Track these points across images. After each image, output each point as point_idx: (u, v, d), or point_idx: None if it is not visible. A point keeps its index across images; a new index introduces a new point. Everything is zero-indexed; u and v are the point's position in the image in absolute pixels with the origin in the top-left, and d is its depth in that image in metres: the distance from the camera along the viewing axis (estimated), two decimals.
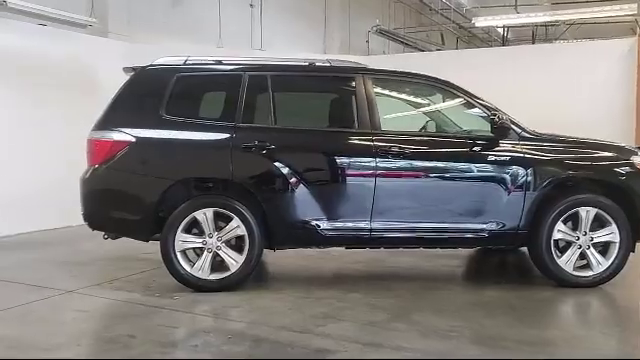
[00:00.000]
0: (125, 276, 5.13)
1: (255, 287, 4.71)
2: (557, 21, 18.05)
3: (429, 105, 5.27)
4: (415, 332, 3.69)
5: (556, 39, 19.02)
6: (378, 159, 4.60)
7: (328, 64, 4.96)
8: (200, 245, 4.60)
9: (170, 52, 8.84)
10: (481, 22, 11.90)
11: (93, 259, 5.89)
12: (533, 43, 17.83)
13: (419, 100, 5.34)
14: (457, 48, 18.95)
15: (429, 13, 18.34)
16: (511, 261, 6.00)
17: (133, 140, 4.57)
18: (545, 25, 18.93)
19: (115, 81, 8.59)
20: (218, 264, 4.64)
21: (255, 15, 12.48)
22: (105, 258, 5.91)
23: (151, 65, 4.85)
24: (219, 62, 4.90)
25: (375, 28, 16.21)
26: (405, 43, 17.49)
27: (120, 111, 4.74)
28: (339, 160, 4.64)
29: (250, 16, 12.43)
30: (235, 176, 4.58)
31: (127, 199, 4.63)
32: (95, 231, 4.83)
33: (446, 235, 4.63)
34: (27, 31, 7.53)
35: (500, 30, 19.96)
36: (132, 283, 4.92)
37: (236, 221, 4.57)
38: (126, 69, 5.01)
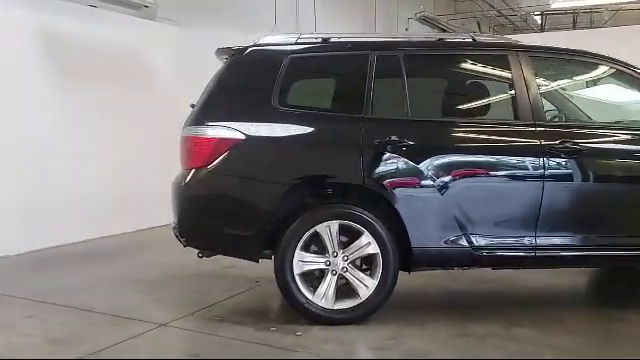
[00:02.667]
0: (220, 301, 4.25)
1: (388, 318, 3.78)
2: (599, 7, 17.05)
3: (602, 90, 4.32)
4: None
5: (601, 26, 17.92)
6: (546, 158, 3.68)
7: (470, 39, 4.04)
8: (323, 266, 3.72)
9: (226, 39, 8.05)
10: (559, 4, 10.88)
11: (169, 276, 5.04)
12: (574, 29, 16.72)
13: (590, 84, 4.38)
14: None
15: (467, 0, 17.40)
16: None
17: (242, 137, 3.67)
18: (590, 11, 17.96)
19: (168, 69, 7.93)
20: (340, 290, 3.75)
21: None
22: (182, 275, 5.05)
23: (256, 45, 3.95)
24: (334, 40, 3.99)
25: (419, 15, 15.31)
26: (445, 31, 16.56)
27: (222, 101, 3.85)
28: (496, 160, 3.72)
29: (296, 2, 11.53)
30: (366, 180, 3.68)
31: (236, 209, 3.73)
32: (188, 247, 3.95)
33: (636, 252, 3.70)
34: (77, 13, 6.62)
35: (537, 18, 19.00)
36: (234, 311, 4.03)
37: (367, 236, 3.67)
38: (220, 51, 4.12)
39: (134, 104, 7.19)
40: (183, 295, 4.53)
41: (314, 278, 3.80)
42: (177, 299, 4.43)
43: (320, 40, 3.97)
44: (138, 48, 7.37)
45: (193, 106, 4.18)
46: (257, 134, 3.70)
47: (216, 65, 7.79)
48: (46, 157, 6.16)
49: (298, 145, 3.73)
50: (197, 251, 3.95)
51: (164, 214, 7.59)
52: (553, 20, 19.31)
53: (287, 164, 3.70)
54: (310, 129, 3.76)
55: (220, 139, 3.68)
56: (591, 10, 17.97)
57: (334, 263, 3.70)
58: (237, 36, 8.21)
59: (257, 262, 3.82)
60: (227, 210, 3.74)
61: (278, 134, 3.72)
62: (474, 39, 4.01)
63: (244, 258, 3.85)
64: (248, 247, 3.75)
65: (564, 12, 18.12)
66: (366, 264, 3.82)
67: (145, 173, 7.24)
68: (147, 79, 7.52)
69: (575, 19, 18.56)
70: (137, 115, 7.24)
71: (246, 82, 3.88)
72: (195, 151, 3.73)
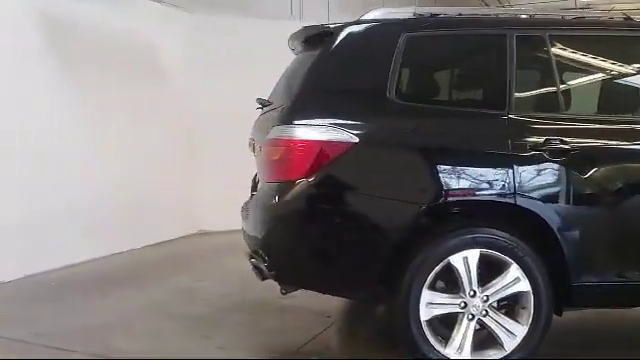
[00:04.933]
0: (300, 346, 3.35)
1: None
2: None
3: None
4: None
5: None
6: None
7: (624, 17, 3.21)
8: (457, 309, 2.85)
9: (243, 28, 7.08)
10: None
11: (218, 308, 4.11)
12: None
13: None
14: None
15: None
16: None
17: (355, 141, 2.77)
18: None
19: (180, 60, 6.91)
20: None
21: None
22: (233, 306, 4.15)
23: (360, 22, 3.05)
24: (461, 16, 3.13)
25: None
26: None
27: (321, 95, 2.94)
28: None
29: None
30: (518, 198, 2.82)
31: (348, 236, 2.82)
32: (267, 280, 3.05)
33: None
34: None
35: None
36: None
37: (516, 269, 2.82)
38: (306, 30, 3.21)
39: (143, 99, 6.18)
40: (250, 336, 3.60)
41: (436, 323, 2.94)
42: (245, 343, 3.50)
43: (442, 15, 3.09)
44: (145, 33, 6.34)
45: (263, 102, 3.32)
46: (374, 136, 2.82)
47: (232, 56, 6.96)
48: (44, 162, 5.07)
49: (428, 152, 2.85)
50: (262, 278, 3.10)
51: (178, 226, 6.71)
52: None
53: (415, 177, 2.81)
54: (440, 130, 2.89)
55: (326, 143, 2.77)
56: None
57: (472, 305, 2.84)
58: (253, 25, 7.29)
59: (370, 303, 2.94)
60: (335, 237, 2.83)
61: (401, 136, 2.84)
62: (629, 18, 3.19)
63: (354, 298, 2.99)
64: (362, 285, 2.86)
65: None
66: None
67: (155, 178, 6.25)
68: (157, 70, 6.52)
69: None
70: (147, 112, 6.23)
71: (352, 69, 2.98)
72: (291, 159, 2.81)
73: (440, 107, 2.97)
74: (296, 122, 2.86)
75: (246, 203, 3.79)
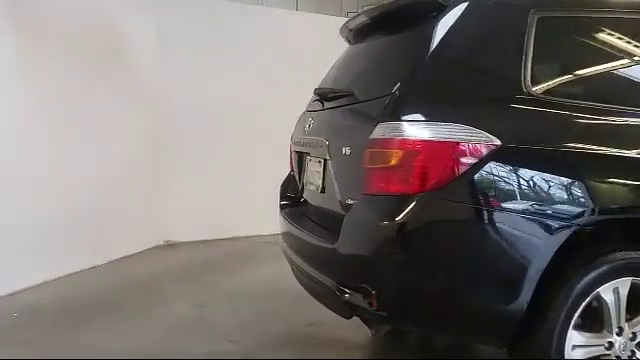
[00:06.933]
0: None
1: None
2: None
3: None
4: None
5: None
6: None
7: None
8: (602, 351, 2.34)
9: (220, 8, 6.23)
10: None
11: (243, 342, 3.41)
12: None
13: None
14: None
15: None
16: None
17: (497, 143, 2.17)
18: None
19: (151, 42, 5.98)
20: None
21: None
22: (262, 340, 3.45)
23: None
24: None
25: None
26: None
27: (437, 85, 2.31)
28: None
29: None
30: None
31: (489, 266, 2.20)
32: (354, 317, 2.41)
33: None
34: None
35: None
36: None
37: None
38: (400, 2, 2.58)
39: (105, 94, 5.24)
40: None
41: None
42: None
43: None
44: (114, 12, 5.41)
45: (323, 96, 2.68)
46: (521, 139, 2.23)
47: (207, 43, 6.12)
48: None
49: (583, 157, 2.29)
50: (349, 316, 2.46)
51: (142, 237, 5.78)
52: None
53: (571, 189, 2.24)
54: (591, 131, 2.35)
55: (461, 146, 2.15)
56: None
57: (619, 345, 2.33)
58: (230, 9, 6.46)
59: (502, 348, 2.34)
60: (473, 267, 2.20)
61: (552, 139, 2.26)
62: None
63: (489, 344, 2.37)
64: (503, 326, 2.24)
65: None
66: None
67: (116, 183, 5.34)
68: (124, 58, 5.57)
69: None
70: (110, 107, 5.31)
71: (473, 52, 2.38)
72: (412, 166, 2.15)
73: (586, 103, 2.38)
74: (406, 118, 2.22)
75: (290, 213, 3.12)
